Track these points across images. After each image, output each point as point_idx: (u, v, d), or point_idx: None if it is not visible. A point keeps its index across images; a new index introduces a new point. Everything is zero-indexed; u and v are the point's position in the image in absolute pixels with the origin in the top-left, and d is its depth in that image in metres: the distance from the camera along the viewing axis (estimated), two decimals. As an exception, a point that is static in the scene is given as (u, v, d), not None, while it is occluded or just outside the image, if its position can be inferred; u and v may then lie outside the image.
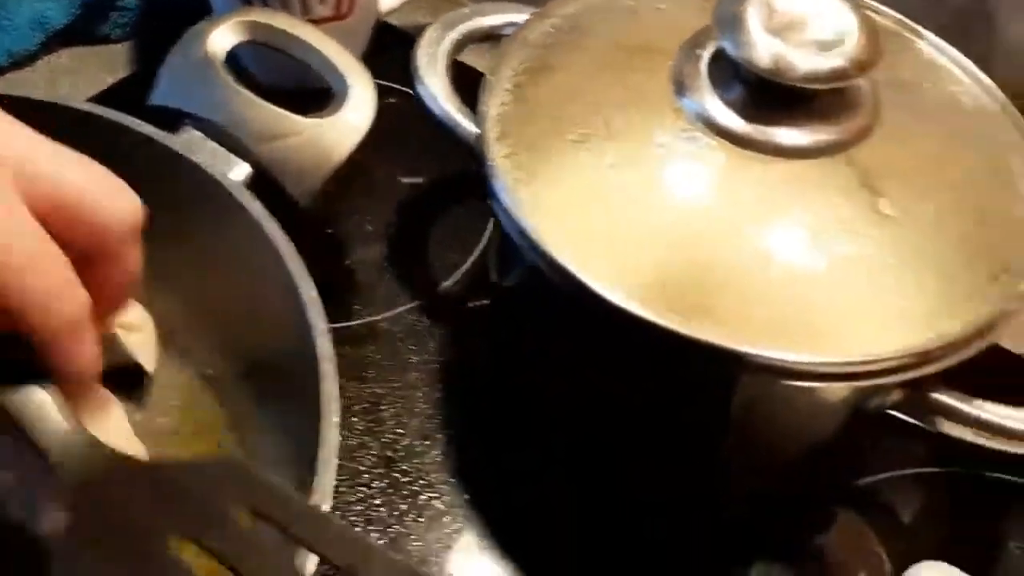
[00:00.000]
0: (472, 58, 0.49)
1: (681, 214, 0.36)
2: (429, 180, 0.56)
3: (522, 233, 0.35)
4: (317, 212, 0.52)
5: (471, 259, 0.52)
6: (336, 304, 0.49)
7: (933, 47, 0.43)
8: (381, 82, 0.54)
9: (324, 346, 0.36)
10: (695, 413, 0.39)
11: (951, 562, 0.42)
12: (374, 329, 0.48)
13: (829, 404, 0.37)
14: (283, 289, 0.38)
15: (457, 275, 0.51)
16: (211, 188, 0.41)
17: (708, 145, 0.36)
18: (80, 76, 0.61)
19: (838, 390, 0.35)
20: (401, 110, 0.52)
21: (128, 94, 0.55)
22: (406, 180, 0.56)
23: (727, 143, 0.36)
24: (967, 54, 0.43)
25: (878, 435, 0.44)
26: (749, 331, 0.33)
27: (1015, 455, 0.38)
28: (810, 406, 0.37)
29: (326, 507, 0.32)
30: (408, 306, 0.49)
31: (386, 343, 0.48)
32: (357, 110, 0.43)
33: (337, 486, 0.42)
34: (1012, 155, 0.39)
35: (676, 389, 0.38)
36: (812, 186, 0.35)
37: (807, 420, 0.38)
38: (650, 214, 0.35)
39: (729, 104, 0.37)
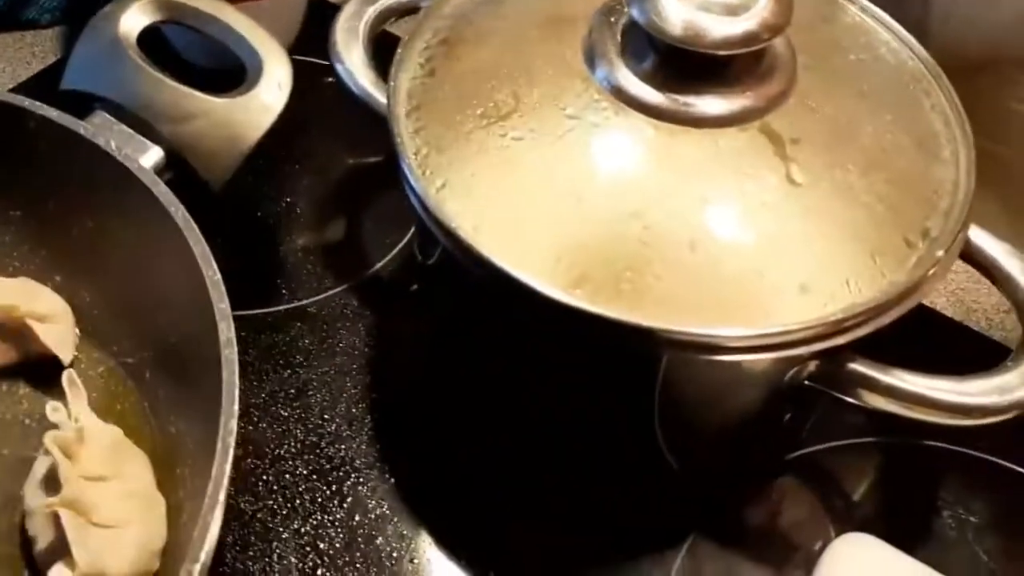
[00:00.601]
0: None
1: (593, 189, 0.35)
2: (372, 160, 0.55)
3: (428, 211, 0.34)
4: (246, 194, 0.52)
5: (404, 240, 0.51)
6: (264, 288, 0.49)
7: (863, 11, 0.42)
8: (319, 61, 0.53)
9: (225, 331, 0.35)
10: (618, 389, 0.38)
11: (889, 530, 0.42)
12: (303, 313, 0.48)
13: (749, 378, 0.36)
14: (190, 273, 0.37)
15: (389, 256, 0.50)
16: (118, 172, 0.40)
17: (620, 117, 0.35)
18: (8, 62, 0.60)
19: (754, 363, 0.34)
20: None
21: (56, 80, 0.53)
22: (352, 160, 0.55)
23: (639, 114, 0.35)
24: (903, 20, 0.42)
25: (820, 405, 0.44)
26: (663, 307, 0.32)
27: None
28: (730, 380, 0.36)
29: (222, 496, 0.31)
30: (338, 289, 0.48)
31: (315, 327, 0.47)
32: (271, 89, 0.42)
33: (261, 474, 0.42)
34: (937, 119, 0.38)
35: (596, 367, 0.37)
36: (725, 156, 0.34)
37: (730, 394, 0.38)
38: (560, 189, 0.34)
39: (641, 73, 0.35)
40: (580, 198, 0.34)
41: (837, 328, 0.32)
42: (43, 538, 0.36)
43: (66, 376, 0.40)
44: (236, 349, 0.34)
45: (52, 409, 0.38)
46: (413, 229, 0.50)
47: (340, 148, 0.55)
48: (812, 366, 0.35)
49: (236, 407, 0.33)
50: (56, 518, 0.35)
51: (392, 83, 0.38)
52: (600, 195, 0.34)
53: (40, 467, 0.38)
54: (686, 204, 0.34)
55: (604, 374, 0.38)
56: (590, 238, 0.33)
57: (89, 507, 0.35)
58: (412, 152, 0.35)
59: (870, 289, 0.33)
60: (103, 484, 0.36)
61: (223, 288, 0.36)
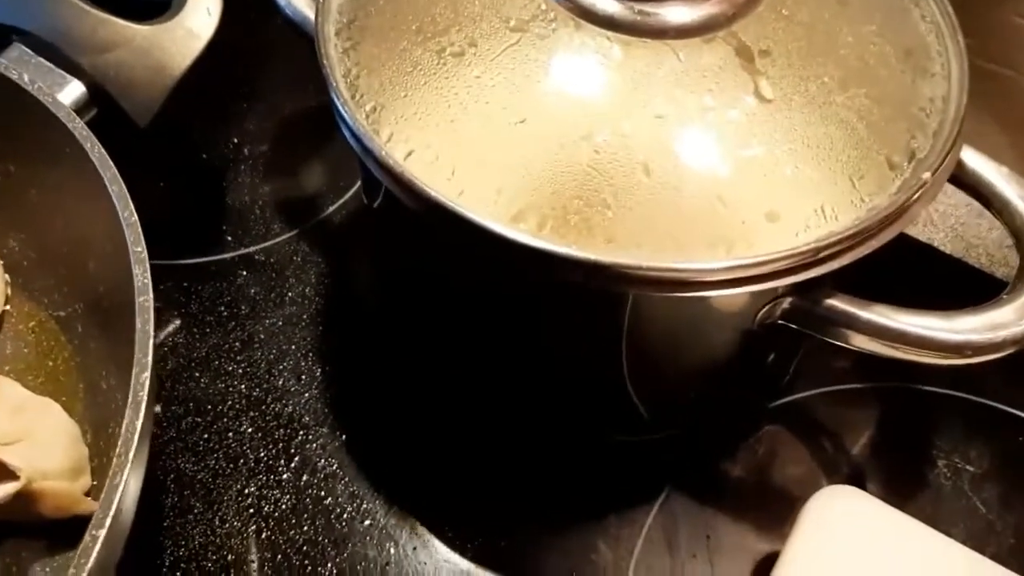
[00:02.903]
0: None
1: (538, 110, 0.31)
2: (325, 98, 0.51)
3: (358, 139, 0.31)
4: (190, 135, 0.49)
5: (358, 183, 0.47)
6: (208, 234, 0.46)
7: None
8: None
9: (140, 276, 0.32)
10: (582, 331, 0.35)
11: (879, 481, 0.39)
12: (250, 261, 0.44)
13: (717, 317, 0.33)
14: (110, 216, 0.34)
15: (342, 201, 0.47)
16: (36, 109, 0.37)
17: (569, 28, 0.32)
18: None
19: (719, 301, 0.31)
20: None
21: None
22: (303, 99, 0.51)
23: (591, 25, 0.32)
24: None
25: (805, 347, 0.41)
26: (616, 240, 0.29)
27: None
28: (697, 319, 0.33)
29: (131, 454, 0.28)
30: (287, 235, 0.45)
31: (262, 276, 0.44)
32: (198, 14, 0.39)
33: (202, 432, 0.39)
34: (927, 29, 0.34)
35: (556, 307, 0.34)
36: (687, 70, 0.31)
37: (699, 335, 0.35)
38: (503, 111, 0.31)
39: (593, -20, 0.32)
40: (524, 120, 0.31)
41: (811, 259, 0.29)
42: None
43: None
44: (152, 296, 0.32)
45: None
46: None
47: (292, 86, 0.51)
48: (786, 303, 0.31)
49: (150, 359, 0.30)
50: None
51: None
52: (546, 117, 0.31)
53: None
54: (641, 124, 0.30)
55: (565, 315, 0.34)
56: (536, 165, 0.30)
57: None
58: (341, 74, 0.32)
59: (847, 215, 0.30)
60: None
61: (139, 230, 0.33)
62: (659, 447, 0.39)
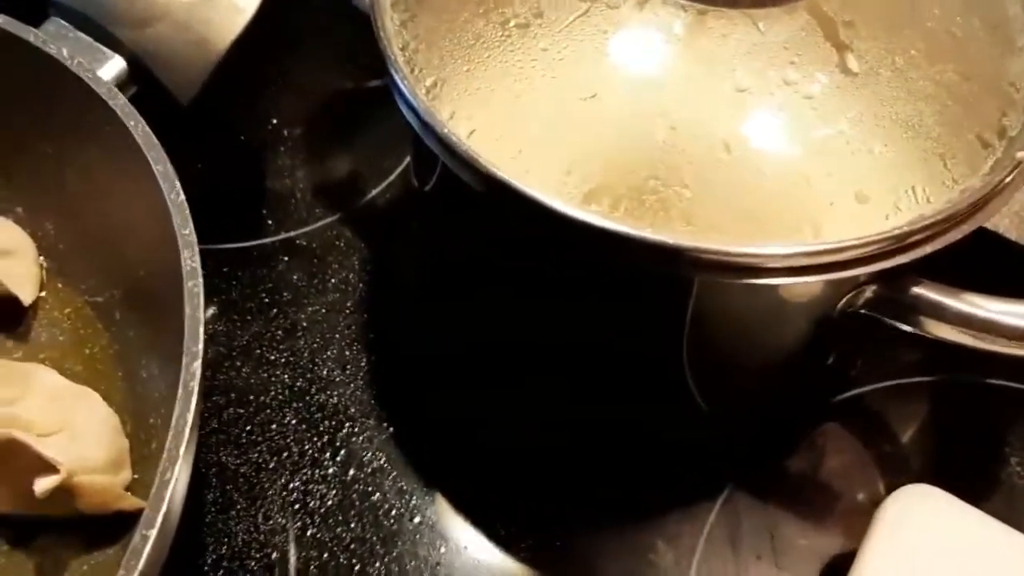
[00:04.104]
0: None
1: (610, 85, 0.30)
2: (368, 76, 0.50)
3: (417, 116, 0.29)
4: (229, 116, 0.47)
5: (402, 165, 0.46)
6: (248, 219, 0.44)
7: None
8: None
9: (189, 260, 0.30)
10: (645, 322, 0.33)
11: (947, 480, 0.37)
12: (291, 246, 0.43)
13: (794, 306, 0.31)
14: (154, 196, 0.33)
15: (386, 183, 0.45)
16: (74, 86, 0.36)
17: None
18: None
19: (801, 288, 0.29)
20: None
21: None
22: (345, 79, 0.50)
23: (663, -4, 0.30)
24: None
25: (865, 341, 0.39)
26: (694, 221, 0.28)
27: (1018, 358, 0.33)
28: (771, 309, 0.32)
29: (182, 450, 0.27)
30: (329, 219, 0.44)
31: (304, 262, 0.43)
32: (242, -13, 0.37)
33: (244, 424, 0.38)
34: (1015, 3, 0.33)
35: (616, 295, 0.32)
36: (767, 42, 0.29)
37: (771, 326, 0.33)
38: (572, 86, 0.30)
39: (665, -51, 0.30)
40: (595, 96, 0.29)
41: (902, 244, 0.27)
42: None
43: None
44: (201, 281, 0.30)
45: None
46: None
47: (333, 66, 0.49)
48: (869, 291, 0.30)
49: (200, 347, 0.29)
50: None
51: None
52: (618, 91, 0.29)
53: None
54: (721, 100, 0.29)
55: (624, 304, 0.33)
56: (607, 143, 0.29)
57: (25, 424, 0.32)
58: (399, 47, 0.30)
59: (940, 197, 0.28)
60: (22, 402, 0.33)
61: (187, 212, 0.31)
62: (719, 442, 0.38)
